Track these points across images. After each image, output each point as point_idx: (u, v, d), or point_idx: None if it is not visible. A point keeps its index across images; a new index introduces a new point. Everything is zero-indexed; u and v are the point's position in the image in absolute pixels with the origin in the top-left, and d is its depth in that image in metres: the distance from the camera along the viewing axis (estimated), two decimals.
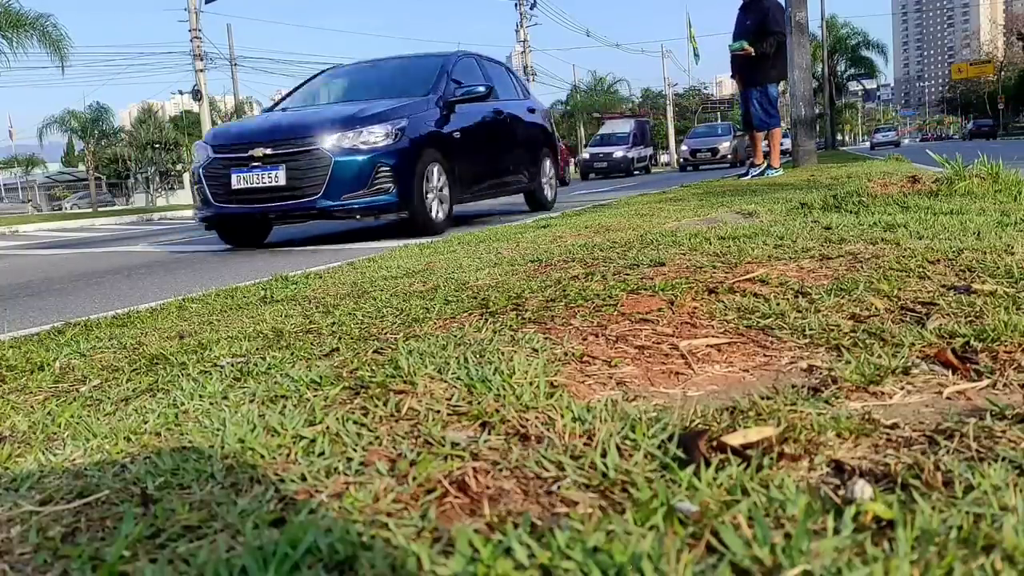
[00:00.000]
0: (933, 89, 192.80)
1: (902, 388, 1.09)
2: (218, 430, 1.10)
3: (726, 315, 1.55)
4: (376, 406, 1.14)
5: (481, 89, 6.87)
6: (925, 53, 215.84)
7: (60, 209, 41.06)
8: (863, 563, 0.64)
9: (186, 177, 40.16)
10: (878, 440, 0.91)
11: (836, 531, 0.69)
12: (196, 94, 26.38)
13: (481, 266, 2.65)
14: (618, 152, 28.64)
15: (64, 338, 2.12)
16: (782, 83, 9.91)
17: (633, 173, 28.27)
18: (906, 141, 74.53)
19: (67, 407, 1.36)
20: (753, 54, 8.79)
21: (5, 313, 3.46)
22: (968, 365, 1.15)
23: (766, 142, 9.39)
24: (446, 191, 6.39)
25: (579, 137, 49.04)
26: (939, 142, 56.29)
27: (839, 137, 62.78)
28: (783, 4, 9.36)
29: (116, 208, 32.02)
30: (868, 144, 60.49)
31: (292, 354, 1.56)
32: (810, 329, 1.40)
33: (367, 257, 3.72)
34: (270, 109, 7.43)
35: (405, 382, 1.23)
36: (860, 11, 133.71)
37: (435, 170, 6.21)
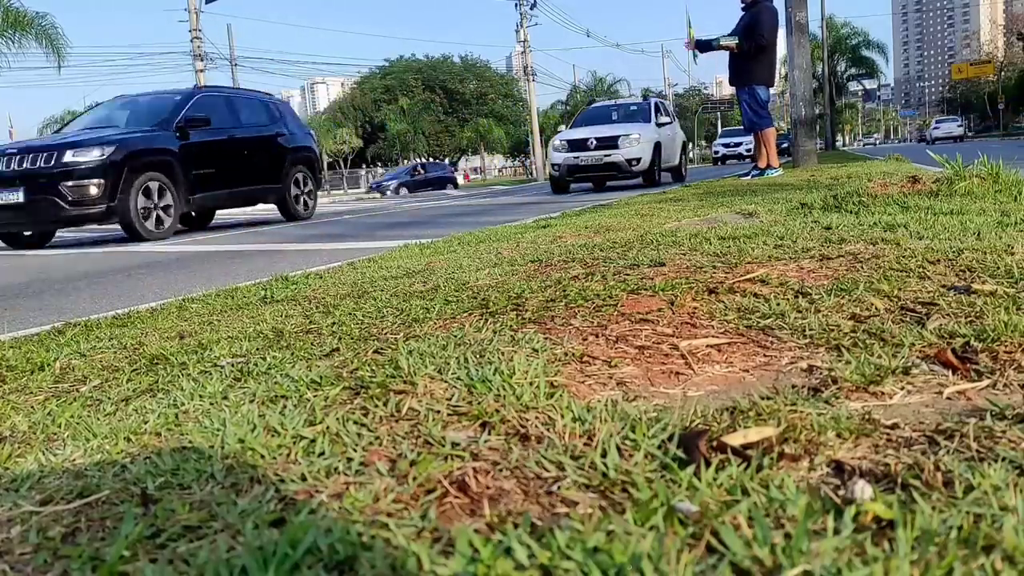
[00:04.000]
0: (933, 89, 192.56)
1: (902, 388, 1.09)
2: (218, 430, 1.10)
3: (726, 315, 1.55)
4: (376, 406, 1.14)
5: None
6: (925, 53, 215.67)
7: None
8: (863, 563, 0.64)
9: None
10: (878, 440, 0.91)
11: (836, 531, 0.69)
12: None
13: (481, 266, 2.65)
14: None
15: (64, 338, 2.12)
16: (781, 84, 10.03)
17: None
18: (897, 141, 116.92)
19: (67, 407, 1.36)
20: (734, 48, 8.89)
21: (5, 313, 3.46)
22: (968, 365, 1.15)
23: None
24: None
25: None
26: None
27: (839, 138, 64.25)
28: (777, 11, 9.41)
29: None
30: (856, 145, 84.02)
31: (292, 354, 1.56)
32: (810, 329, 1.40)
33: (367, 257, 3.72)
34: None
35: (405, 382, 1.23)
36: (860, 11, 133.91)
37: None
